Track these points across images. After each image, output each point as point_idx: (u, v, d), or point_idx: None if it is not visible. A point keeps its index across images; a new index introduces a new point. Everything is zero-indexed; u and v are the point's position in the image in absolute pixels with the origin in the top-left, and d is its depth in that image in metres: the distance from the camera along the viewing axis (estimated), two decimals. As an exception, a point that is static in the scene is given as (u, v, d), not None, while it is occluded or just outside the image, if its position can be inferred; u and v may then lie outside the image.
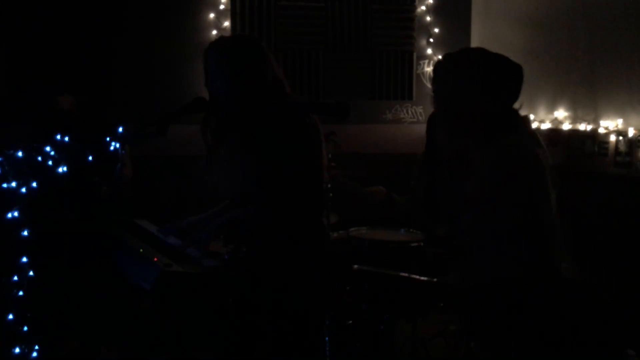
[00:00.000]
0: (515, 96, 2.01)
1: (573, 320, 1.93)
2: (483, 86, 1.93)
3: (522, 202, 1.84)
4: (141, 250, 2.03)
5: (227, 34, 4.77)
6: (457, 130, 2.01)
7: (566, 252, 2.05)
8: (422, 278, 2.12)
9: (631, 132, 3.52)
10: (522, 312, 1.88)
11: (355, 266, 2.56)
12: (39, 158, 2.58)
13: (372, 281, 2.27)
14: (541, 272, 1.87)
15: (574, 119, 4.04)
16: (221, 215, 2.27)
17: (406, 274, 2.16)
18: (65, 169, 2.58)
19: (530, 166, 1.87)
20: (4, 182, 2.56)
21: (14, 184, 2.59)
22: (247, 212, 2.20)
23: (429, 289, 2.05)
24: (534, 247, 1.87)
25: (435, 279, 2.09)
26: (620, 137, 3.59)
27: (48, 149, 2.58)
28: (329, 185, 3.63)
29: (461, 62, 1.98)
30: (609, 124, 3.69)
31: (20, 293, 2.74)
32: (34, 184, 2.62)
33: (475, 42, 5.21)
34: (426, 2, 5.16)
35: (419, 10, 5.16)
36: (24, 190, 2.61)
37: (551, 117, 4.21)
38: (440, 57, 2.09)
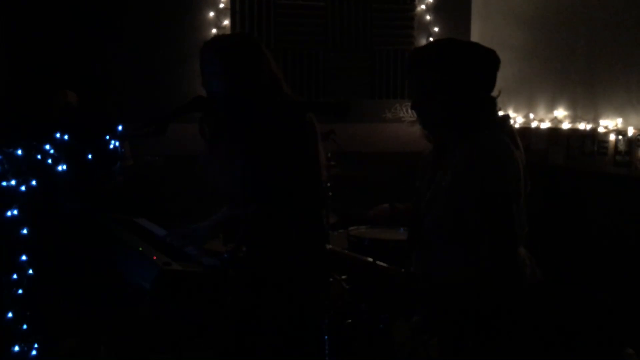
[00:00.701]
0: (489, 85, 1.94)
1: (541, 321, 1.90)
2: (454, 78, 1.86)
3: (491, 200, 1.77)
4: (140, 249, 2.04)
5: (227, 32, 4.76)
6: (431, 125, 1.96)
7: (531, 256, 1.97)
8: (388, 266, 2.06)
9: (631, 132, 3.52)
10: (480, 313, 1.84)
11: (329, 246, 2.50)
12: (39, 156, 2.58)
13: (336, 262, 2.22)
14: (502, 274, 1.80)
15: (574, 118, 4.04)
16: (217, 215, 2.27)
17: (371, 260, 2.10)
18: (65, 167, 2.58)
19: (504, 165, 1.80)
20: (3, 181, 2.56)
21: (13, 182, 2.59)
22: (246, 211, 2.20)
23: (395, 278, 1.98)
24: (497, 247, 1.79)
25: (402, 269, 2.04)
26: (620, 137, 3.59)
27: (47, 147, 2.58)
28: (329, 184, 3.64)
29: (430, 54, 1.91)
30: (609, 123, 3.69)
31: (20, 291, 2.74)
32: (34, 183, 2.62)
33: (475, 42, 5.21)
34: (426, 1, 5.16)
35: (418, 9, 5.16)
36: (23, 188, 2.61)
37: (551, 117, 4.21)
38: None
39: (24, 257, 2.74)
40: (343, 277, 3.58)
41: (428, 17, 5.17)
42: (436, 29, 5.17)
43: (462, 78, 1.87)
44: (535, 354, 1.87)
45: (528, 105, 4.47)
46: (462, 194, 1.80)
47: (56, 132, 2.54)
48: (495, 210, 1.77)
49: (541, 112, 4.33)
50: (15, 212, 2.63)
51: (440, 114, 1.89)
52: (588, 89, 3.93)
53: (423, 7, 5.16)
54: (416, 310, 2.10)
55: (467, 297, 1.81)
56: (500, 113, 1.99)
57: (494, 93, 1.95)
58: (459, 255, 1.84)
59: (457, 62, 1.87)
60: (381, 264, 2.01)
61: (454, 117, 1.88)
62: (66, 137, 2.71)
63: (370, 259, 2.02)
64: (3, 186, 2.58)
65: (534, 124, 4.33)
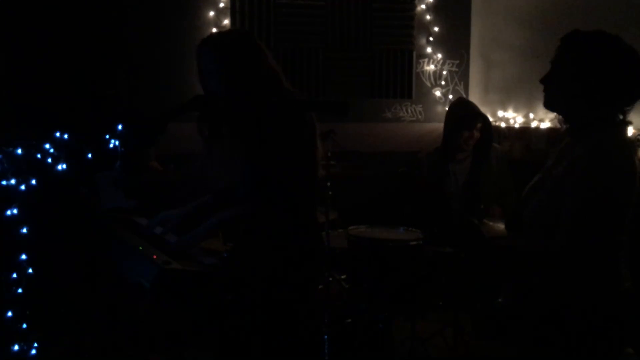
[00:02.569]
0: (629, 101, 1.93)
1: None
2: (604, 78, 1.88)
3: (601, 203, 1.81)
4: (140, 248, 2.04)
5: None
6: (555, 103, 1.98)
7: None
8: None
9: (630, 132, 3.52)
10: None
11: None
12: (39, 155, 2.58)
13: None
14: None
15: (574, 118, 4.04)
16: (215, 214, 2.27)
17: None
18: (64, 166, 2.58)
19: (623, 172, 1.84)
20: (3, 180, 2.56)
21: (13, 182, 2.59)
22: (244, 210, 2.20)
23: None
24: (594, 248, 1.85)
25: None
26: (620, 137, 3.59)
27: (47, 146, 2.58)
28: (329, 183, 3.64)
29: (594, 45, 1.90)
30: (609, 124, 3.69)
31: (20, 290, 2.74)
32: (33, 182, 2.62)
33: (475, 41, 5.21)
34: (426, 1, 5.16)
35: (418, 9, 5.16)
36: (23, 187, 2.61)
37: (551, 117, 4.21)
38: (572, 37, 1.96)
39: (23, 256, 2.74)
40: (343, 276, 3.59)
41: (428, 17, 5.17)
42: (436, 29, 5.17)
43: (613, 78, 1.88)
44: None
45: (528, 105, 4.47)
46: (569, 186, 1.84)
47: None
48: (594, 211, 1.82)
49: (541, 112, 4.33)
50: (15, 211, 2.63)
51: (566, 100, 1.93)
52: (588, 89, 3.93)
53: (423, 6, 5.16)
54: (501, 291, 2.15)
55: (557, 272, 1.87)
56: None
57: (629, 112, 1.95)
58: (562, 239, 1.87)
59: (613, 64, 1.88)
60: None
61: (580, 110, 1.92)
62: (66, 136, 2.71)
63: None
64: (3, 185, 2.58)
65: (534, 124, 4.33)
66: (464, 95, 5.21)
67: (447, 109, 5.17)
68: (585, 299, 1.88)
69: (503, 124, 4.69)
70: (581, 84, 1.90)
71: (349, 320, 3.22)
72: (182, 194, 3.18)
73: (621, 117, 1.94)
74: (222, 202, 2.33)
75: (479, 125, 3.96)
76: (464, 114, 3.99)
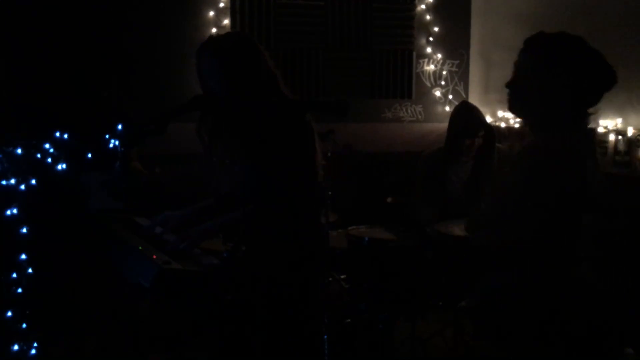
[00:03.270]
0: (594, 98, 1.94)
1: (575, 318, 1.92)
2: (568, 78, 1.87)
3: (546, 201, 1.81)
4: (140, 248, 2.04)
5: (227, 32, 4.76)
6: (518, 108, 1.97)
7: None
8: None
9: (630, 132, 3.52)
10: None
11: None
12: (38, 155, 2.58)
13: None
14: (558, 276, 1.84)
15: (574, 119, 4.04)
16: (216, 216, 2.27)
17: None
18: (64, 166, 2.58)
19: (566, 171, 1.83)
20: (3, 180, 2.56)
21: (13, 181, 2.59)
22: (244, 214, 2.20)
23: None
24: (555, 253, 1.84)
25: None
26: (620, 137, 3.59)
27: (47, 146, 2.58)
28: (328, 184, 3.64)
29: (557, 46, 1.90)
30: (608, 124, 3.69)
31: (19, 290, 2.74)
32: (33, 182, 2.62)
33: (475, 41, 5.21)
34: (426, 1, 5.16)
35: (418, 9, 5.16)
36: (23, 187, 2.61)
37: (550, 117, 4.21)
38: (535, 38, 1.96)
39: (23, 256, 2.74)
40: (343, 276, 3.59)
41: (428, 17, 5.17)
42: (436, 29, 5.17)
43: (573, 80, 1.87)
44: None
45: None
46: (513, 182, 1.85)
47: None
48: (545, 207, 1.82)
49: (541, 112, 4.32)
50: (15, 211, 2.63)
51: (532, 104, 1.92)
52: (588, 89, 3.93)
53: (423, 6, 5.16)
54: (465, 295, 2.14)
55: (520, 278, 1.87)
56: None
57: (592, 110, 1.94)
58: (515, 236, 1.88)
59: (575, 64, 1.87)
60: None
61: (544, 113, 1.91)
62: (66, 136, 2.71)
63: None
64: (3, 185, 2.58)
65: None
66: (464, 96, 5.21)
67: (447, 108, 5.17)
68: (543, 295, 1.88)
69: (503, 124, 4.69)
70: (546, 86, 1.89)
71: (349, 320, 3.22)
72: (168, 196, 3.19)
73: (585, 118, 1.94)
74: (225, 206, 2.33)
75: (481, 133, 3.95)
76: (466, 125, 3.98)
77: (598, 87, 1.92)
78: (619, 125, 3.62)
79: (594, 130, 2.04)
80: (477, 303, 2.11)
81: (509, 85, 1.97)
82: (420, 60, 5.21)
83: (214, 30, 4.78)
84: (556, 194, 1.83)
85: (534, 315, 1.88)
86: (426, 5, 5.16)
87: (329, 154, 3.56)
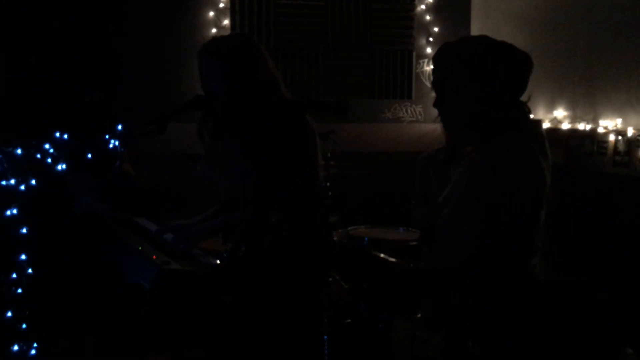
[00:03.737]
0: (520, 88, 1.85)
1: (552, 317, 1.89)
2: (485, 78, 1.78)
3: (504, 208, 1.70)
4: (140, 248, 2.04)
5: (227, 32, 4.76)
6: (452, 125, 1.91)
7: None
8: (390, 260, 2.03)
9: (630, 132, 3.52)
10: (486, 312, 1.81)
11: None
12: (38, 155, 2.58)
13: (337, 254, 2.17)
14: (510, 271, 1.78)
15: (573, 119, 4.04)
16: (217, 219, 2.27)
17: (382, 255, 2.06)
18: (64, 166, 2.58)
19: (525, 174, 1.72)
20: (3, 180, 2.56)
21: (13, 182, 2.59)
22: (243, 217, 2.20)
23: (399, 271, 1.96)
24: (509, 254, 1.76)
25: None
26: (619, 137, 3.59)
27: (47, 146, 2.58)
28: (328, 184, 3.64)
29: (461, 51, 1.83)
30: (608, 124, 3.69)
31: (19, 291, 2.74)
32: (33, 182, 2.62)
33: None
34: (426, 1, 5.16)
35: (418, 9, 5.16)
36: (22, 187, 2.61)
37: (550, 117, 4.21)
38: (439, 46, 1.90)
39: (23, 257, 2.74)
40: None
41: (428, 17, 5.17)
42: (436, 29, 5.17)
43: (490, 78, 1.79)
44: (537, 353, 1.86)
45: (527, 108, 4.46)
46: (477, 197, 1.74)
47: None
48: (507, 217, 1.71)
49: (541, 112, 4.33)
50: (14, 211, 2.63)
51: (462, 115, 1.83)
52: (588, 89, 3.93)
53: (423, 7, 5.16)
54: (419, 307, 2.08)
55: (474, 294, 1.80)
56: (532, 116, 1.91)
57: (524, 97, 1.86)
58: (466, 254, 1.80)
59: (486, 62, 1.80)
60: (385, 257, 1.98)
61: (477, 119, 1.81)
62: (65, 136, 2.71)
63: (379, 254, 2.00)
64: (3, 185, 2.58)
65: (533, 124, 4.33)
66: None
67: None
68: (498, 307, 1.81)
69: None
70: (468, 91, 1.81)
71: (349, 320, 3.22)
72: (156, 199, 3.19)
73: (529, 116, 1.87)
74: (229, 211, 2.32)
75: None
76: None
77: (517, 73, 1.84)
78: (619, 126, 3.62)
79: (539, 122, 1.95)
80: (432, 314, 2.07)
81: (436, 104, 1.90)
82: (420, 61, 5.21)
83: (213, 30, 4.78)
84: (516, 207, 1.72)
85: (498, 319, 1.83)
86: (426, 6, 5.16)
87: (329, 154, 3.56)
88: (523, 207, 1.73)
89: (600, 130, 3.73)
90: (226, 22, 4.84)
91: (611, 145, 3.65)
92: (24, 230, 2.69)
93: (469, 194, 1.78)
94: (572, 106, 4.08)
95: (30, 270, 2.75)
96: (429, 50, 5.19)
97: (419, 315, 2.09)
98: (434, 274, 1.87)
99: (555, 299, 1.95)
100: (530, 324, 1.94)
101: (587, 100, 3.93)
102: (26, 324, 2.73)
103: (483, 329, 1.82)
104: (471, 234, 1.75)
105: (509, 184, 1.71)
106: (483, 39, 1.86)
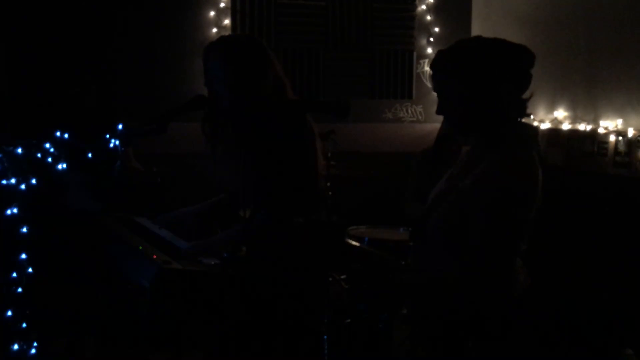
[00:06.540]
0: (520, 82, 1.83)
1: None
2: (483, 80, 1.77)
3: (505, 217, 1.70)
4: (140, 247, 2.04)
5: (228, 31, 4.76)
6: (461, 129, 1.89)
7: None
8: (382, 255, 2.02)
9: (630, 133, 3.52)
10: (466, 316, 1.80)
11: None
12: (39, 155, 2.58)
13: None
14: (495, 281, 1.75)
15: (574, 119, 4.04)
16: (236, 228, 2.25)
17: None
18: (64, 165, 2.58)
19: (529, 186, 1.72)
20: (3, 179, 2.56)
21: (13, 181, 2.59)
22: (256, 221, 2.19)
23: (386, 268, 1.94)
24: (496, 258, 1.73)
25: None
26: (620, 138, 3.59)
27: (48, 145, 2.58)
28: (328, 184, 3.64)
29: (456, 57, 1.81)
30: (609, 124, 3.69)
31: (19, 290, 2.74)
32: (34, 181, 2.62)
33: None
34: (426, 2, 5.16)
35: (419, 9, 5.16)
36: (23, 187, 2.61)
37: (551, 117, 4.21)
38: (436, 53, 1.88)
39: (23, 256, 2.74)
40: (342, 276, 3.59)
41: (428, 17, 5.17)
42: (436, 29, 5.17)
43: (489, 79, 1.78)
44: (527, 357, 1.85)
45: (528, 105, 4.46)
46: (478, 200, 1.74)
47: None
48: (506, 227, 1.72)
49: (541, 113, 4.33)
50: (15, 210, 2.63)
51: (465, 119, 1.82)
52: (588, 90, 3.94)
53: (423, 7, 5.16)
54: (405, 303, 2.07)
55: (454, 298, 1.79)
56: (526, 118, 1.90)
57: (526, 95, 1.85)
58: (455, 255, 1.81)
59: (481, 63, 1.78)
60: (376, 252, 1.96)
61: (480, 121, 1.81)
62: (66, 135, 2.71)
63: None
64: (3, 185, 2.58)
65: (533, 124, 4.33)
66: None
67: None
68: (481, 312, 1.80)
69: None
70: (473, 93, 1.79)
71: (349, 320, 3.21)
72: (166, 196, 3.18)
73: (529, 117, 1.86)
74: (236, 202, 2.32)
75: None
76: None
77: (514, 67, 1.83)
78: (619, 126, 3.62)
79: (537, 129, 1.93)
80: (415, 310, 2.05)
81: (439, 112, 1.87)
82: (421, 61, 5.21)
83: (214, 30, 4.77)
84: (522, 217, 1.74)
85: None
86: (427, 6, 5.16)
87: (329, 154, 3.56)
88: (525, 214, 1.74)
89: (601, 130, 3.73)
90: (227, 21, 4.84)
91: (612, 146, 3.65)
92: (25, 230, 2.69)
93: (471, 198, 1.78)
94: (572, 106, 4.08)
95: (30, 270, 2.75)
96: (429, 50, 5.19)
97: (404, 311, 2.08)
98: (438, 285, 1.85)
99: (555, 300, 1.95)
100: (530, 324, 1.95)
101: (587, 101, 3.93)
102: (26, 323, 2.73)
103: (482, 329, 1.82)
104: (473, 239, 1.75)
105: (515, 192, 1.72)
106: (476, 40, 1.85)
